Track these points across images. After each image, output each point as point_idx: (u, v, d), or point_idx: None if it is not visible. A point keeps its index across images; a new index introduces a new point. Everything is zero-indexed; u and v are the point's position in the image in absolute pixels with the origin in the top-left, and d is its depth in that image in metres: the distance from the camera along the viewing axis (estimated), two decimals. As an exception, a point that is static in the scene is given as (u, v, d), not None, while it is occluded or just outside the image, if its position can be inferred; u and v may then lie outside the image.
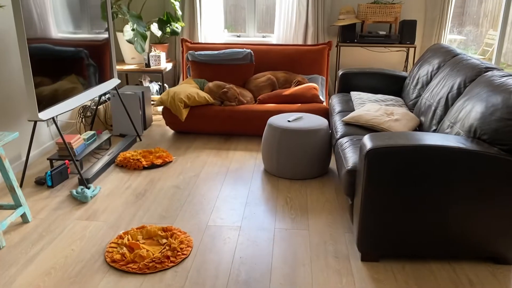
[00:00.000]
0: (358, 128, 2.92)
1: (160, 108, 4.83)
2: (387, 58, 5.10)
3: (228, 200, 2.81)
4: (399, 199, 2.04)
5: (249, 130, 3.93)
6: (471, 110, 2.27)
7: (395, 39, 4.66)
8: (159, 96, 4.74)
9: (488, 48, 6.59)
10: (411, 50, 5.01)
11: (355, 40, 4.73)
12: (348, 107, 3.44)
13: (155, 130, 4.23)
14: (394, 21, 4.67)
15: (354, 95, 3.57)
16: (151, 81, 4.86)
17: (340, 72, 3.90)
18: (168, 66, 4.75)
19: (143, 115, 4.14)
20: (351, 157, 2.37)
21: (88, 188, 2.89)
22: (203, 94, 3.94)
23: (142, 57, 4.80)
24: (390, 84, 3.79)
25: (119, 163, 3.34)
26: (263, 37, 5.28)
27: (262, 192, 2.92)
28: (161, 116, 4.66)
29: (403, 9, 4.90)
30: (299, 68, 4.45)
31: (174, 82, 5.29)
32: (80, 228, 2.47)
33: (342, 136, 2.83)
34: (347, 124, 3.00)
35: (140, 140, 3.93)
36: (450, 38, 5.52)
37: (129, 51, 4.76)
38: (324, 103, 4.02)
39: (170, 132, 4.16)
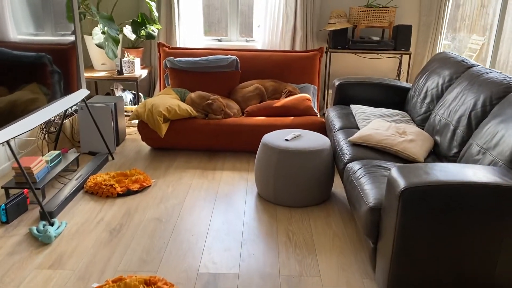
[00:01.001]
0: (367, 149, 2.56)
1: (135, 120, 4.35)
2: (379, 65, 4.80)
3: (221, 236, 2.40)
4: (440, 245, 1.69)
5: (237, 145, 3.53)
6: (510, 135, 1.94)
7: (389, 45, 4.36)
8: (133, 106, 4.27)
9: (472, 53, 6.42)
10: (404, 57, 4.73)
11: (347, 46, 4.40)
12: (349, 123, 3.08)
13: (129, 146, 3.76)
14: (389, 26, 4.36)
15: (355, 109, 3.22)
16: (124, 90, 4.38)
17: (336, 83, 3.54)
18: (143, 73, 4.28)
19: (116, 130, 3.66)
20: (371, 191, 2.00)
21: (52, 224, 2.41)
22: (184, 106, 3.51)
23: (113, 63, 4.31)
24: (391, 96, 3.47)
25: (89, 190, 2.86)
26: (246, 41, 4.88)
27: (259, 224, 2.52)
28: (135, 129, 4.19)
29: (396, 13, 4.60)
30: (289, 76, 4.08)
31: (150, 91, 4.81)
32: (42, 280, 2.00)
33: (351, 160, 2.47)
34: (354, 144, 2.64)
35: (113, 158, 3.45)
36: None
37: (98, 56, 4.26)
38: (318, 116, 3.66)
39: (147, 148, 3.71)
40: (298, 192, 2.69)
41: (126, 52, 4.29)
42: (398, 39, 4.36)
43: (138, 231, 2.42)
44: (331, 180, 2.81)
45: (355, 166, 2.34)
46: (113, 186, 2.84)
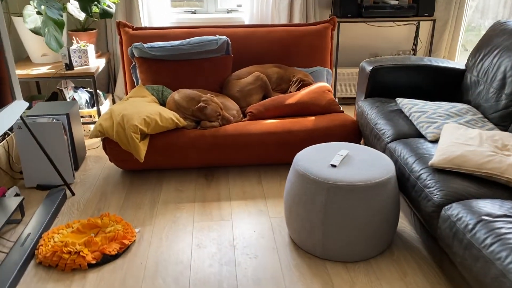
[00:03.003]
0: (460, 177, 1.75)
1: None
2: (390, 35, 3.95)
3: (264, 336, 1.55)
4: None
5: (241, 160, 2.64)
6: None
7: (410, 10, 3.51)
8: (91, 109, 3.23)
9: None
10: (423, 24, 3.90)
11: (360, 14, 3.51)
12: (404, 127, 2.25)
13: (93, 169, 2.77)
14: (409, -14, 3.50)
15: (406, 105, 2.39)
16: (76, 88, 3.31)
17: (368, 68, 2.68)
18: (101, 64, 3.22)
19: (72, 150, 2.66)
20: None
21: None
22: (167, 113, 2.54)
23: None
24: (440, 82, 2.66)
25: (44, 261, 1.91)
26: (228, 12, 3.88)
27: (313, 303, 1.69)
28: (98, 140, 3.18)
29: (412, -31, 3.73)
30: (295, 58, 3.16)
31: (109, 86, 3.74)
32: None
33: (448, 201, 1.65)
34: (437, 170, 1.82)
35: (73, 194, 2.47)
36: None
37: (36, 45, 3.15)
38: (343, 112, 2.81)
39: (118, 171, 2.74)
40: (357, 241, 1.86)
41: (74, 38, 3.20)
42: (421, 2, 3.52)
43: None
44: (397, 219, 2.00)
45: (464, 216, 1.53)
46: (81, 253, 1.90)
